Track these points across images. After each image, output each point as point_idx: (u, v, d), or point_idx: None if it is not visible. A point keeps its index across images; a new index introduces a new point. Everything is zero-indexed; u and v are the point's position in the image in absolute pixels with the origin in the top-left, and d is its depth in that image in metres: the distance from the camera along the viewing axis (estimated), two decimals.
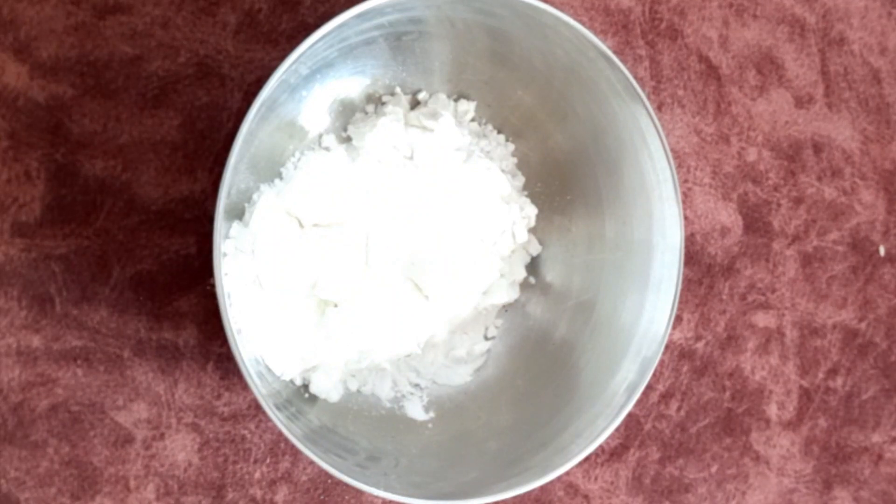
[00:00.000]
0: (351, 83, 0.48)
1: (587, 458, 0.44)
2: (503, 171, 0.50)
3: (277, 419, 0.39)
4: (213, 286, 0.47)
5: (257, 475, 0.48)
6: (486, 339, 0.50)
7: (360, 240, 0.46)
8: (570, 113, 0.49)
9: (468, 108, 0.50)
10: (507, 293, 0.50)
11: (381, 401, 0.48)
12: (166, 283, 0.47)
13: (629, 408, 0.44)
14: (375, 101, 0.50)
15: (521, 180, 0.51)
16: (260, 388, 0.39)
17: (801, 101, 0.58)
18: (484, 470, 0.45)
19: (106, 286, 0.46)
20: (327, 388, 0.45)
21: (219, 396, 0.47)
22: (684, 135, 0.55)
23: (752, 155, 0.57)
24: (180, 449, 0.47)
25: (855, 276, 0.58)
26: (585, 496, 0.52)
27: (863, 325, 0.58)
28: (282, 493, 0.48)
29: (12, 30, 0.46)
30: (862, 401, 0.58)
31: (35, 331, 0.46)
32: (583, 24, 0.45)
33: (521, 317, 0.51)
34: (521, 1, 0.42)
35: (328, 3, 0.49)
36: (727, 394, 0.55)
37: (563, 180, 0.51)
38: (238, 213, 0.46)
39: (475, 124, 0.51)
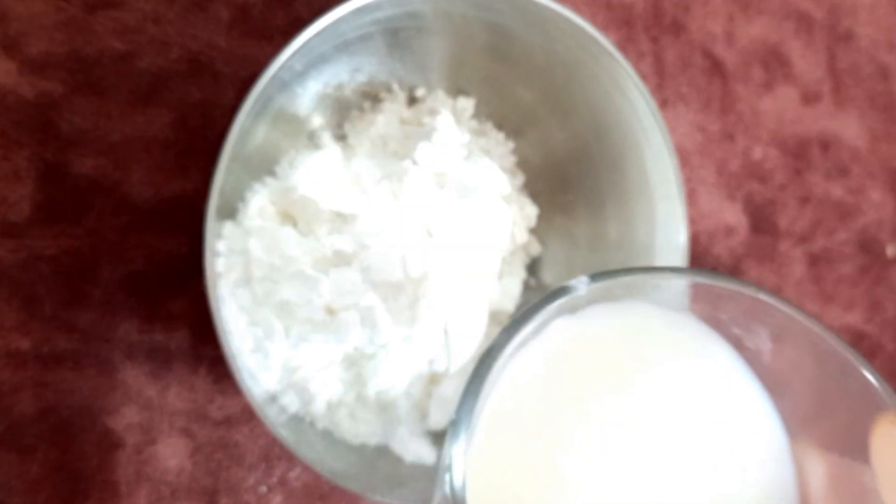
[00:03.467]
0: (347, 80, 0.48)
1: None
2: (503, 169, 0.49)
3: (270, 424, 0.38)
4: (205, 287, 0.46)
5: (251, 481, 0.47)
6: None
7: (356, 242, 0.46)
8: (571, 110, 0.49)
9: (467, 105, 0.49)
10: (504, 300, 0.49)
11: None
12: (158, 284, 0.46)
13: None
14: (372, 98, 0.49)
15: (521, 179, 0.51)
16: (253, 393, 0.39)
17: (808, 98, 0.57)
18: None
19: (96, 287, 0.46)
20: (320, 413, 0.45)
21: (211, 400, 0.47)
22: (688, 132, 0.54)
23: (757, 153, 0.56)
24: (172, 454, 0.46)
25: (862, 277, 0.57)
26: None
27: (870, 327, 0.57)
28: (276, 499, 0.47)
29: (1, 25, 0.45)
30: None
31: (24, 333, 0.45)
32: (585, 18, 0.44)
33: None
34: None
35: None
36: None
37: (565, 179, 0.50)
38: (231, 213, 0.45)
39: (474, 122, 0.50)
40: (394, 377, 0.45)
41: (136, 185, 0.46)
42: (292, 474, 0.48)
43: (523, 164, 0.51)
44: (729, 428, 0.27)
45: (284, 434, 0.39)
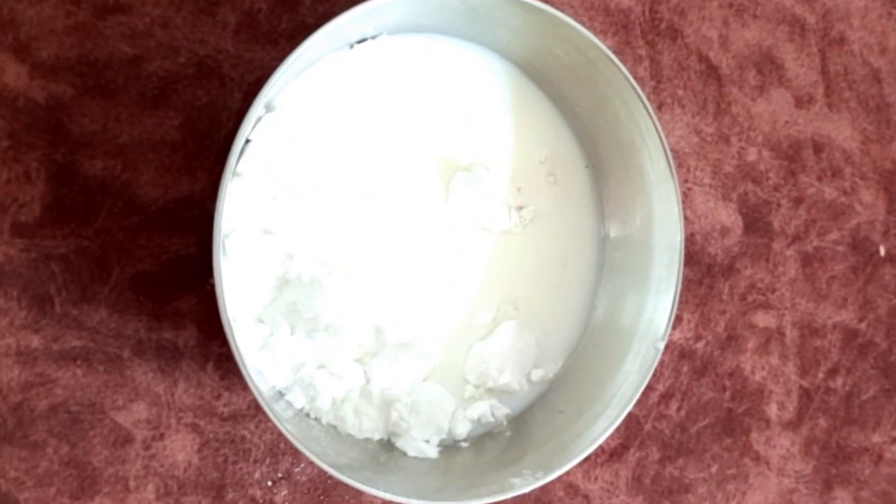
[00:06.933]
0: None
1: (587, 458, 0.44)
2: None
3: (276, 419, 0.39)
4: (213, 286, 0.47)
5: (257, 475, 0.48)
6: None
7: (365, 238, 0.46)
8: (569, 113, 0.49)
9: None
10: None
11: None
12: (166, 283, 0.47)
13: (629, 408, 0.44)
14: None
15: None
16: (259, 389, 0.39)
17: (802, 101, 0.57)
18: (483, 470, 0.45)
19: (106, 286, 0.46)
20: (325, 408, 0.45)
21: (218, 396, 0.47)
22: (684, 135, 0.55)
23: (752, 155, 0.56)
24: (180, 449, 0.47)
25: (855, 276, 0.58)
26: (585, 496, 0.52)
27: (863, 326, 0.58)
28: (281, 493, 0.48)
29: (12, 30, 0.46)
30: (862, 401, 0.58)
31: (35, 331, 0.46)
32: (582, 24, 0.45)
33: None
34: (521, 1, 0.42)
35: (328, 2, 0.49)
36: (727, 394, 0.55)
37: None
38: None
39: None
40: (397, 374, 0.46)
41: (145, 186, 0.47)
42: (298, 468, 0.48)
43: None
44: None
45: (290, 429, 0.39)
